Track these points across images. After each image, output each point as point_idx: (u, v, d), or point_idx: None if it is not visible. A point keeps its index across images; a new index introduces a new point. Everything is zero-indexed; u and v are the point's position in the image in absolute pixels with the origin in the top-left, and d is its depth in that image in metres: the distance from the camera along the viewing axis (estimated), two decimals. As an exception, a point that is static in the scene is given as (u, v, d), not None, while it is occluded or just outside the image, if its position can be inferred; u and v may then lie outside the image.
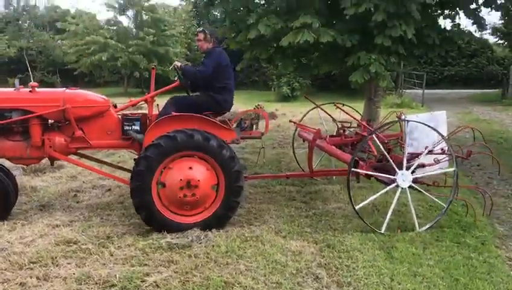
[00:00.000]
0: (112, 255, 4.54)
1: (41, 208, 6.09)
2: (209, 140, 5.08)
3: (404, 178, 5.26)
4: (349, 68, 8.51)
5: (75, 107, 5.40)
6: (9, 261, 4.30)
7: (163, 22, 34.50)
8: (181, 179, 5.04)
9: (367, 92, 10.58)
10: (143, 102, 5.87)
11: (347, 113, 7.15)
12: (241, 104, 21.17)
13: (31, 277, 4.01)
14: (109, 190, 6.98)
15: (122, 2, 35.18)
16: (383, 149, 5.38)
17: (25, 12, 44.74)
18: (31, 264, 4.28)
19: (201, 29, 5.96)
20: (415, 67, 24.66)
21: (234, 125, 5.83)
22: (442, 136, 5.42)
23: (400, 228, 5.34)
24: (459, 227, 5.44)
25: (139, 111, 6.41)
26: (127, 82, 36.98)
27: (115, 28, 35.79)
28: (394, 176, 5.28)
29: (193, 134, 5.05)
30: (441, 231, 5.31)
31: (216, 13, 37.22)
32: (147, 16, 35.21)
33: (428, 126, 5.37)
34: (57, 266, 4.28)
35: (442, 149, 5.63)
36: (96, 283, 3.93)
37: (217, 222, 5.25)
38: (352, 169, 5.30)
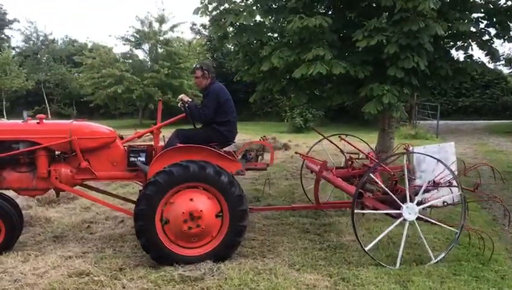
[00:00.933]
0: (124, 287, 4.51)
1: (54, 239, 6.11)
2: (205, 169, 5.05)
3: (409, 211, 5.20)
4: (362, 99, 8.52)
5: (81, 139, 5.45)
6: (21, 293, 4.28)
7: (177, 55, 35.13)
8: (183, 212, 5.01)
9: (380, 123, 10.55)
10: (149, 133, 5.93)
11: (352, 145, 7.16)
12: (253, 135, 21.28)
13: (43, 309, 3.99)
14: (122, 221, 6.97)
15: (138, 36, 35.99)
16: (379, 183, 5.38)
17: (43, 47, 46.00)
18: (43, 296, 4.26)
19: (198, 66, 6.00)
20: (428, 98, 24.64)
21: (239, 156, 5.85)
22: (449, 168, 5.34)
23: (416, 261, 5.23)
24: (477, 261, 5.31)
25: (146, 143, 6.44)
26: (142, 114, 37.45)
27: (130, 61, 36.54)
28: (399, 209, 5.22)
29: (188, 165, 5.03)
30: (458, 264, 5.18)
31: (230, 46, 37.87)
32: (162, 50, 35.91)
33: (434, 158, 5.34)
34: (69, 298, 4.25)
35: (449, 182, 5.53)
36: (108, 316, 3.89)
37: (227, 249, 5.19)
38: (357, 200, 5.27)
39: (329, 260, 5.36)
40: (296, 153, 7.62)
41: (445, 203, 5.59)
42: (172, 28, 36.87)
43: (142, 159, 5.64)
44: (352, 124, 27.39)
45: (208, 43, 39.22)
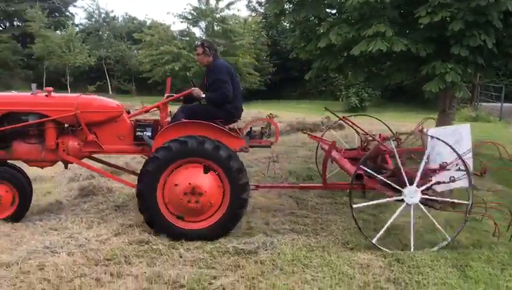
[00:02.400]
0: (181, 256, 4.67)
1: (116, 208, 6.38)
2: (203, 144, 5.11)
3: (411, 194, 5.07)
4: (423, 78, 8.21)
5: (87, 112, 5.56)
6: (86, 257, 4.53)
7: (233, 33, 35.22)
8: (184, 187, 5.08)
9: (441, 103, 10.13)
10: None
11: (357, 127, 7.02)
12: (307, 113, 21.12)
13: (105, 273, 4.21)
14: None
15: (195, 13, 36.33)
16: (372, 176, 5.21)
17: (105, 24, 47.38)
18: (106, 261, 4.48)
19: (199, 43, 5.95)
20: (492, 80, 23.42)
21: (244, 133, 5.81)
22: (456, 151, 5.11)
23: (431, 244, 5.15)
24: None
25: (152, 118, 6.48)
26: (197, 91, 37.95)
27: (187, 38, 37.01)
28: (403, 189, 5.10)
29: (186, 141, 5.10)
30: (521, 251, 4.98)
31: (285, 23, 37.46)
32: (218, 27, 36.11)
33: (442, 141, 5.14)
34: (129, 264, 4.46)
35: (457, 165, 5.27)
36: (166, 283, 4.05)
37: (230, 222, 5.26)
38: (357, 182, 5.22)
39: (383, 241, 5.29)
40: (303, 132, 7.42)
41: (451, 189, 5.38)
42: (228, 6, 36.98)
43: (148, 133, 5.71)
44: (409, 105, 26.56)
45: (263, 20, 38.94)
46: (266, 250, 4.83)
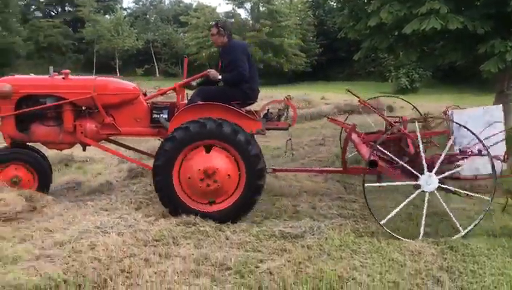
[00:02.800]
0: (227, 239, 4.66)
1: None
2: (221, 126, 5.02)
3: (428, 181, 4.77)
4: (480, 57, 7.80)
5: (104, 94, 5.55)
6: (135, 237, 4.60)
7: (279, 13, 34.84)
8: (199, 169, 5.03)
9: (499, 84, 9.62)
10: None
11: (371, 107, 6.67)
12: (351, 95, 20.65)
13: (154, 254, 4.25)
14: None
15: (240, -6, 36.17)
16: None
17: (152, 7, 48.01)
18: (154, 242, 4.54)
19: (214, 23, 5.79)
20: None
21: (261, 115, 5.63)
22: (476, 135, 4.76)
23: (442, 234, 4.89)
24: None
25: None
26: (243, 73, 37.98)
27: (233, 20, 36.94)
28: (420, 176, 4.80)
29: (205, 123, 5.03)
30: None
31: (332, 2, 36.68)
32: (263, 8, 35.80)
33: (460, 125, 4.83)
34: (177, 245, 4.49)
35: (479, 150, 4.96)
36: (213, 265, 4.05)
37: (244, 207, 5.21)
38: (371, 168, 4.96)
39: (436, 228, 5.10)
40: (324, 116, 7.11)
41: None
42: (274, -14, 36.50)
43: (165, 116, 5.65)
44: (463, 85, 25.49)
45: (309, 0, 38.29)
46: (313, 235, 4.75)
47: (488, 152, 4.77)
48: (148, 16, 48.28)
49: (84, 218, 5.14)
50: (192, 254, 4.24)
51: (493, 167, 4.75)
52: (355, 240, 4.63)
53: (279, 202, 5.99)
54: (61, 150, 6.12)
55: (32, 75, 5.98)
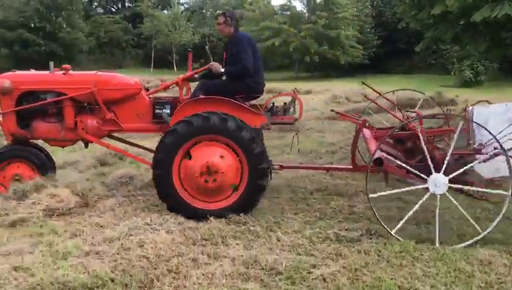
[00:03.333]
0: (278, 240, 4.44)
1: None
2: (226, 121, 4.83)
3: (436, 182, 4.33)
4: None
5: (104, 90, 5.42)
6: (184, 235, 4.48)
7: (335, 5, 34.11)
8: (201, 165, 4.86)
9: None
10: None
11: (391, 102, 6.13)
12: (416, 87, 19.83)
13: (202, 254, 4.11)
14: (277, 173, 6.97)
15: (296, -14, 35.71)
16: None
17: (208, 1, 48.48)
18: (203, 241, 4.40)
19: (221, 12, 5.62)
20: None
21: (267, 109, 5.43)
22: (491, 132, 4.29)
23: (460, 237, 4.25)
24: None
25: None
26: (298, 66, 37.61)
27: (288, 13, 36.58)
28: (427, 178, 4.37)
29: (209, 117, 4.85)
30: None
31: (392, -8, 35.49)
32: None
33: (476, 123, 4.45)
34: (226, 245, 4.33)
35: (494, 148, 4.47)
36: (263, 269, 3.85)
37: (244, 207, 4.98)
38: (376, 168, 4.58)
39: (508, 235, 4.63)
40: (332, 110, 6.63)
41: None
42: (331, -24, 35.75)
43: (167, 111, 5.48)
44: (533, 78, 23.85)
45: (367, -10, 37.24)
46: (371, 239, 4.44)
47: (504, 150, 4.29)
48: (204, 10, 48.80)
49: (134, 213, 5.14)
50: (242, 256, 4.05)
51: (509, 163, 4.24)
52: (416, 246, 4.26)
53: (334, 201, 5.70)
54: (63, 147, 6.08)
55: (33, 71, 5.92)
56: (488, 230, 4.40)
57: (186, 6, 50.65)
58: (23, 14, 43.39)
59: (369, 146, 5.28)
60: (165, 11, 46.07)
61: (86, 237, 4.49)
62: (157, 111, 5.57)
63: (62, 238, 4.47)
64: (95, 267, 3.76)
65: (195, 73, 5.64)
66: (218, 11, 5.88)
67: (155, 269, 3.82)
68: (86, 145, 6.00)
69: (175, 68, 41.89)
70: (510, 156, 4.24)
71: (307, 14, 36.16)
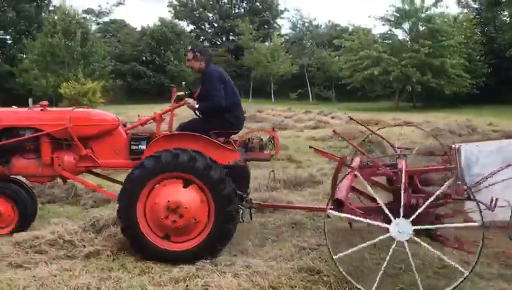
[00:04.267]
0: (355, 295, 3.98)
1: (293, 225, 6.00)
2: (195, 160, 4.70)
3: (400, 228, 3.90)
4: None
5: (79, 126, 5.40)
6: (251, 281, 4.19)
7: (440, 32, 32.50)
8: (164, 204, 4.70)
9: None
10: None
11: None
12: None
13: (268, 305, 3.80)
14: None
15: (398, 14, 34.74)
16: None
17: (308, 32, 48.98)
18: (271, 289, 4.08)
19: (189, 48, 5.72)
20: None
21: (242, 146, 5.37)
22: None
23: None
24: None
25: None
26: (399, 96, 36.25)
27: (389, 41, 35.61)
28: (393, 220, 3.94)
29: (178, 154, 4.74)
30: None
31: (505, 18, 33.00)
32: (423, 27, 33.82)
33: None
34: (295, 297, 3.97)
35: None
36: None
37: (208, 251, 4.72)
38: (329, 211, 4.23)
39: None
40: (310, 147, 5.97)
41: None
42: (435, 3, 34.45)
43: (143, 147, 5.37)
44: None
45: (477, 16, 35.04)
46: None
47: (473, 196, 3.84)
48: (304, 41, 49.29)
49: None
50: (309, 312, 3.67)
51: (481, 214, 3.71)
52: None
53: (422, 250, 5.07)
54: (42, 183, 6.10)
55: (14, 108, 5.98)
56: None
57: (286, 38, 51.57)
58: (137, 48, 47.12)
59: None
60: (266, 43, 47.26)
61: (154, 275, 4.39)
62: (134, 147, 5.52)
63: (130, 275, 4.41)
64: (154, 311, 3.61)
65: (171, 110, 5.62)
66: (187, 48, 6.00)
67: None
68: (64, 182, 6.06)
69: (272, 98, 42.47)
70: None
71: (409, 43, 34.85)
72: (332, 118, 23.19)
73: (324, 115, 24.81)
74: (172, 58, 45.97)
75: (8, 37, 44.38)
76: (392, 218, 3.95)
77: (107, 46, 42.78)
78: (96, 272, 4.51)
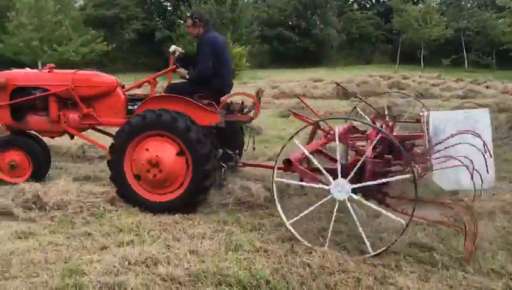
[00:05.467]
0: (465, 278, 3.71)
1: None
2: (176, 120, 5.14)
3: (339, 188, 4.14)
4: None
5: (81, 87, 5.91)
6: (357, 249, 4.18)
7: None
8: (146, 159, 5.21)
9: None
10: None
11: None
12: None
13: (369, 275, 3.71)
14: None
15: None
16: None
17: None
18: (374, 260, 3.98)
19: (188, 14, 6.04)
20: None
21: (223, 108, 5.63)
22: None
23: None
24: None
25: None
26: None
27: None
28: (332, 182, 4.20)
29: (161, 114, 5.21)
30: None
31: None
32: None
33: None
34: (399, 270, 3.84)
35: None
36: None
37: (185, 203, 5.25)
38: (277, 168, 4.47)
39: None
40: (288, 110, 5.40)
41: None
42: None
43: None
44: None
45: None
46: None
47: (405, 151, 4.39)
48: (463, 2, 44.88)
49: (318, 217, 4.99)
50: (409, 289, 3.52)
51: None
52: None
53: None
54: (53, 138, 6.59)
55: (27, 70, 6.53)
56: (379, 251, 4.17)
57: (443, -1, 47.48)
58: (284, 13, 47.61)
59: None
60: (420, 5, 44.09)
61: (263, 233, 4.62)
62: (130, 107, 6.03)
63: (242, 230, 4.71)
64: (257, 266, 3.81)
65: (163, 73, 6.21)
66: (187, 14, 5.97)
67: (313, 280, 3.66)
68: (71, 137, 6.50)
69: (422, 65, 39.81)
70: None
71: None
72: (487, 87, 21.00)
73: (477, 84, 22.51)
74: (318, 22, 45.56)
75: (168, 3, 48.17)
76: (330, 179, 4.20)
77: (255, 11, 43.85)
78: (213, 224, 4.89)
